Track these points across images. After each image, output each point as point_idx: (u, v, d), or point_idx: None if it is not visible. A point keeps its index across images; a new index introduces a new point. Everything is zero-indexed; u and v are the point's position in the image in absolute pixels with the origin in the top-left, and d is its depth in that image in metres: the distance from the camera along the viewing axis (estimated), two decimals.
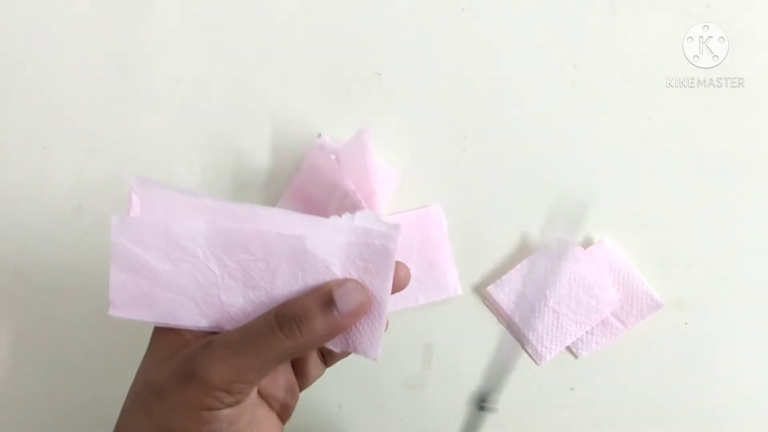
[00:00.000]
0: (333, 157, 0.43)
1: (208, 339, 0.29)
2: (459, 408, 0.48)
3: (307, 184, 0.48)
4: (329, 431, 0.48)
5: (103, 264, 0.47)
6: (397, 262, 0.31)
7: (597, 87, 0.49)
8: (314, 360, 0.36)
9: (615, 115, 0.49)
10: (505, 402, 0.48)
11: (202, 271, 0.31)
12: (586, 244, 0.49)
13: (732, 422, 0.48)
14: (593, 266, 0.47)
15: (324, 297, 0.29)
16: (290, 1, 0.50)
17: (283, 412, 0.34)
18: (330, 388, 0.48)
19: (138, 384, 0.31)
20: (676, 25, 0.49)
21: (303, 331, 0.29)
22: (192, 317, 0.31)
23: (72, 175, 0.49)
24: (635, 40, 0.49)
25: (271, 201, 0.49)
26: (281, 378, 0.34)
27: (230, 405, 0.29)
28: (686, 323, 0.48)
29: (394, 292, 0.31)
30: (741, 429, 0.48)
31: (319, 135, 0.47)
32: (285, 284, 0.31)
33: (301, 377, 0.36)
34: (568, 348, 0.48)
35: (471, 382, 0.48)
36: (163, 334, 0.32)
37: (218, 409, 0.28)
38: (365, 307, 0.30)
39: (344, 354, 0.34)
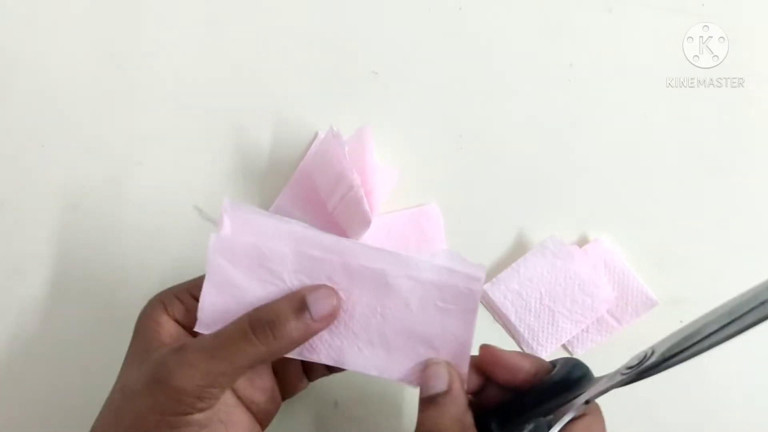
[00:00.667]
0: (346, 148, 0.43)
1: (181, 343, 0.30)
2: None
3: (314, 171, 0.48)
4: (324, 430, 0.48)
5: (99, 262, 0.48)
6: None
7: (593, 86, 0.49)
8: (297, 371, 0.36)
9: (611, 113, 0.49)
10: None
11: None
12: (582, 242, 0.49)
13: (726, 421, 0.48)
14: (589, 264, 0.48)
15: (297, 302, 0.30)
16: (287, 0, 0.50)
17: (263, 417, 0.34)
18: (325, 386, 0.48)
19: (116, 386, 0.31)
20: (675, 25, 0.49)
21: (276, 335, 0.29)
22: None
23: (69, 173, 0.49)
24: (634, 39, 0.49)
25: (268, 200, 0.49)
26: (260, 382, 0.34)
27: (201, 410, 0.29)
28: (681, 321, 0.47)
29: None
30: (735, 427, 0.48)
31: (331, 126, 0.47)
32: (362, 316, 0.32)
33: (284, 386, 0.36)
34: (564, 346, 0.48)
35: None
36: (140, 334, 0.32)
37: (189, 414, 0.28)
38: (336, 313, 0.31)
39: (330, 371, 0.35)
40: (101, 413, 0.31)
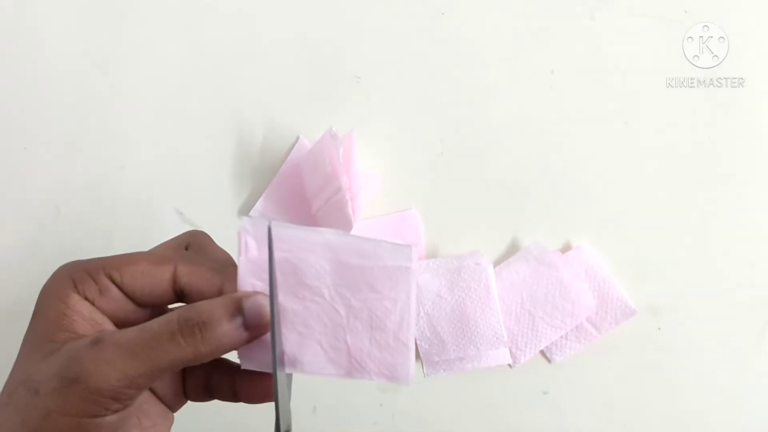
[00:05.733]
0: (341, 150, 0.43)
1: (98, 335, 0.27)
2: (433, 412, 0.49)
3: (304, 170, 0.48)
4: None
5: None
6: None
7: (575, 92, 0.49)
8: (198, 384, 0.33)
9: (594, 120, 0.49)
10: (478, 402, 0.49)
11: (329, 312, 0.30)
12: (565, 248, 0.49)
13: (703, 427, 0.48)
14: (570, 271, 0.48)
15: (232, 306, 0.27)
16: (270, 4, 0.50)
17: (173, 405, 0.32)
18: (304, 391, 0.49)
19: (16, 376, 0.27)
20: (657, 32, 0.49)
21: (205, 339, 0.27)
22: (318, 363, 0.30)
23: (51, 176, 0.49)
24: (628, 43, 0.48)
25: (249, 202, 0.49)
26: (169, 377, 0.31)
27: (116, 411, 0.26)
28: (659, 328, 0.48)
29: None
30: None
31: (331, 128, 0.46)
32: (410, 323, 0.30)
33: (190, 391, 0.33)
34: (542, 352, 0.48)
35: (445, 386, 0.48)
36: (44, 315, 0.28)
37: (102, 416, 0.26)
38: (269, 324, 0.28)
39: (231, 399, 0.33)
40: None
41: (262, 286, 0.29)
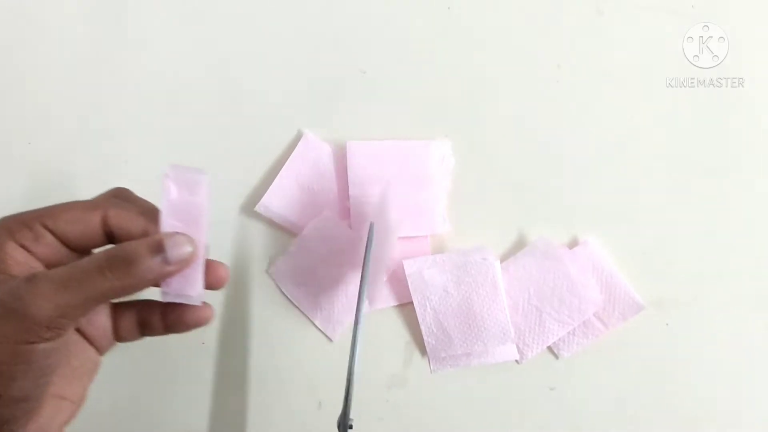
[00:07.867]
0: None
1: (33, 272, 0.30)
2: (439, 407, 0.49)
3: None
4: (309, 430, 0.48)
5: None
6: (217, 263, 0.34)
7: (581, 87, 0.49)
8: (130, 324, 0.36)
9: (601, 115, 0.49)
10: (484, 398, 0.49)
11: None
12: (572, 243, 0.49)
13: (711, 423, 0.48)
14: (577, 266, 0.47)
15: (154, 244, 0.31)
16: None
17: (102, 345, 0.35)
18: (309, 386, 0.48)
19: None
20: (665, 27, 0.48)
21: (130, 272, 0.30)
22: None
23: (55, 170, 0.49)
24: (629, 40, 0.49)
25: (251, 200, 0.49)
26: (97, 319, 0.35)
27: (48, 340, 0.29)
28: (667, 324, 0.48)
29: (211, 288, 0.34)
30: (720, 430, 0.48)
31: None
32: None
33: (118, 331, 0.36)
34: (550, 348, 0.48)
35: (451, 381, 0.48)
36: None
37: (35, 343, 0.29)
38: (192, 259, 0.32)
39: (162, 332, 0.35)
40: None
41: (181, 226, 0.32)
